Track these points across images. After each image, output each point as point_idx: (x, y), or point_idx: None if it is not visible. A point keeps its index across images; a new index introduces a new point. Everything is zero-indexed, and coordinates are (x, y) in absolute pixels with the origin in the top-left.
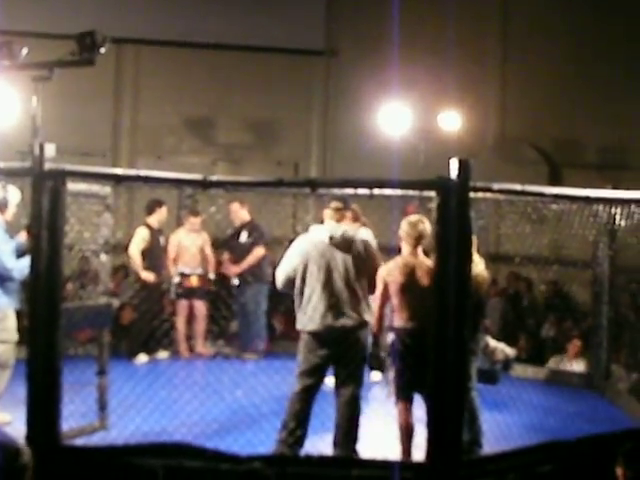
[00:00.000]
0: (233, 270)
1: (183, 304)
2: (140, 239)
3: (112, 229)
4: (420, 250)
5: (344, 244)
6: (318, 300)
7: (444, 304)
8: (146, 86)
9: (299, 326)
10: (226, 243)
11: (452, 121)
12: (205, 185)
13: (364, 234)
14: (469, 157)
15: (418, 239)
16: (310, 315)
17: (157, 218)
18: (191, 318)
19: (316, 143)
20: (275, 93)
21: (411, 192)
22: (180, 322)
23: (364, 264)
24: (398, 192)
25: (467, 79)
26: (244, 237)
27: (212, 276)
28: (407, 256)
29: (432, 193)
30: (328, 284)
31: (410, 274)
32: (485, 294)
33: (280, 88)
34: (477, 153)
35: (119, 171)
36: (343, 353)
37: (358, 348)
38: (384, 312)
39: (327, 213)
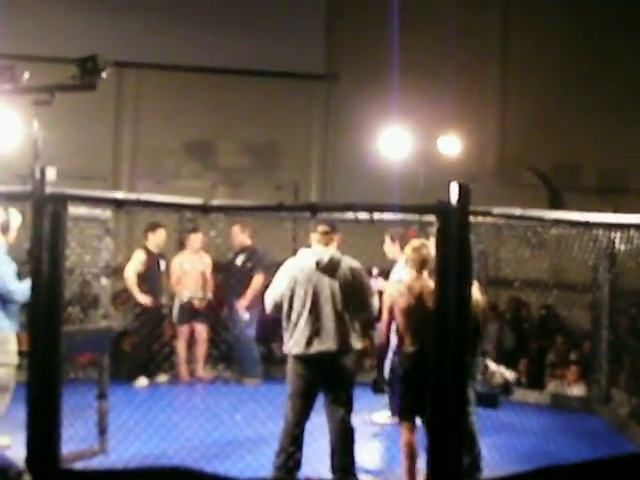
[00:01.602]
0: (242, 305)
1: (184, 328)
2: (137, 262)
3: (113, 253)
4: (425, 274)
5: (331, 269)
6: (304, 324)
7: (444, 327)
8: (147, 109)
9: (285, 350)
10: (225, 267)
11: (452, 145)
12: (205, 210)
13: (350, 260)
14: (469, 181)
15: (423, 263)
16: (296, 339)
17: (154, 241)
18: (191, 342)
19: (316, 167)
20: (275, 117)
21: (411, 216)
22: (181, 346)
23: (352, 289)
24: (398, 216)
25: (467, 103)
26: (240, 260)
27: (210, 297)
28: (412, 280)
29: (432, 217)
30: (314, 309)
31: (416, 297)
32: (483, 317)
33: (280, 112)
34: (477, 177)
35: (119, 195)
36: (329, 377)
37: (344, 373)
38: (390, 335)
39: (314, 237)
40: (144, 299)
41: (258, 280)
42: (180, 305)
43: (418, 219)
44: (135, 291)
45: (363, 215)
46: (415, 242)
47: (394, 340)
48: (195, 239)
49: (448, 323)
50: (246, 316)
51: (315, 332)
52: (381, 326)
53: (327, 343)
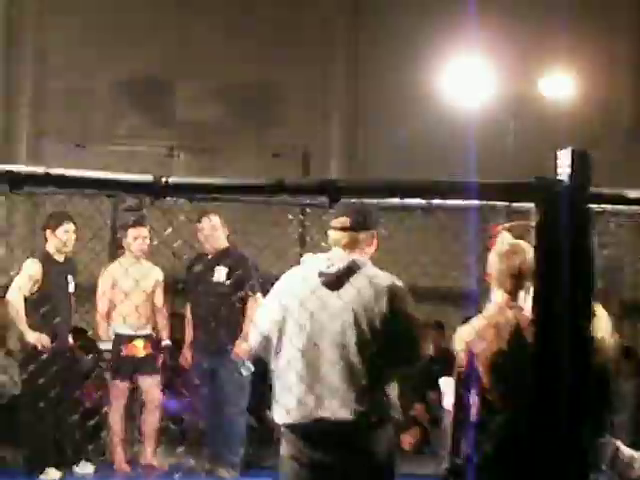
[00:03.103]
0: (242, 350)
1: (120, 386)
2: (25, 279)
3: None
4: (523, 297)
5: (341, 286)
6: (297, 376)
7: (549, 384)
8: (56, 28)
9: (274, 417)
10: (189, 284)
11: (560, 90)
12: (156, 191)
13: (382, 274)
14: (589, 147)
15: (517, 278)
16: (285, 400)
17: (56, 244)
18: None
19: (338, 122)
20: (271, 41)
21: (494, 203)
22: (115, 416)
23: (381, 322)
24: (472, 203)
25: (586, 27)
26: (221, 275)
27: (167, 342)
28: (501, 309)
29: (528, 204)
30: (312, 350)
31: (507, 338)
32: (613, 371)
33: (279, 34)
34: (602, 141)
35: (16, 167)
36: (342, 465)
37: (365, 460)
38: (466, 401)
39: (331, 236)
40: (37, 338)
41: (256, 306)
42: (113, 348)
43: (505, 207)
44: (22, 326)
45: (413, 201)
46: (503, 243)
47: (474, 407)
48: (137, 239)
49: (555, 377)
50: (245, 368)
51: (311, 388)
52: (447, 387)
53: (331, 407)
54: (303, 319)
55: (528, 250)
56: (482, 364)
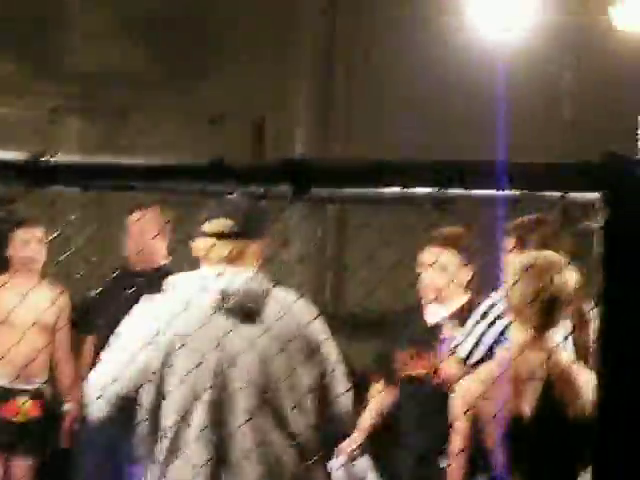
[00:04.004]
0: None
1: None
2: None
3: None
4: (553, 335)
5: (252, 314)
6: (195, 445)
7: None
8: None
9: None
10: (96, 313)
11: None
12: (34, 176)
13: (296, 297)
14: None
15: (548, 309)
16: None
17: None
18: None
19: (306, 72)
20: None
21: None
22: None
23: (305, 361)
24: (509, 194)
25: None
26: None
27: (69, 405)
28: (522, 352)
29: (592, 195)
30: (216, 410)
31: (536, 395)
32: None
33: None
34: None
35: None
36: None
37: None
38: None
39: (199, 246)
40: None
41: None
42: None
43: (558, 197)
44: None
45: (419, 191)
46: (527, 257)
47: None
48: (28, 245)
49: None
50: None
51: (218, 462)
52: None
53: None
54: (197, 362)
55: (562, 266)
56: (492, 435)
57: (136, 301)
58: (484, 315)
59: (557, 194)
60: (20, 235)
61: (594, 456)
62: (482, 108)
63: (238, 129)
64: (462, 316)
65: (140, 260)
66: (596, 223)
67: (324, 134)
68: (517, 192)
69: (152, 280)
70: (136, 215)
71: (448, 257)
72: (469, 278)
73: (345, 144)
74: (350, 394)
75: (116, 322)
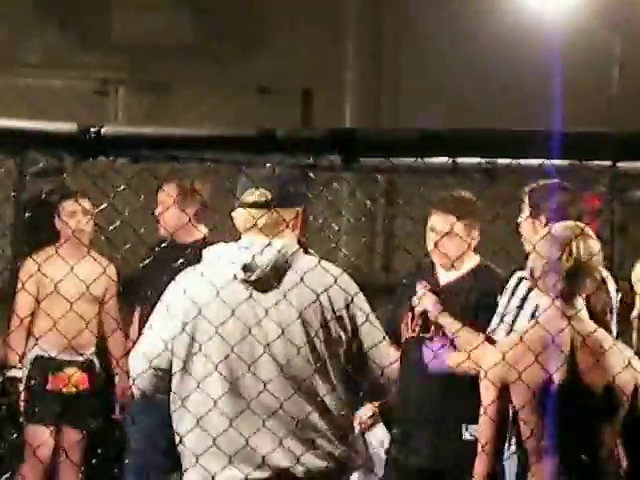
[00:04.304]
0: None
1: (38, 435)
2: None
3: None
4: (580, 303)
5: (275, 286)
6: (218, 418)
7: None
8: None
9: None
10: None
11: None
12: (82, 147)
13: (329, 266)
14: None
15: (574, 278)
16: (202, 458)
17: None
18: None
19: (354, 44)
20: None
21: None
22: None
23: (336, 331)
24: (559, 164)
25: None
26: None
27: (117, 377)
28: (550, 320)
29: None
30: (240, 382)
31: (567, 362)
32: None
33: None
34: None
35: None
36: None
37: None
38: (500, 449)
39: (239, 215)
40: None
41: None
42: (32, 378)
43: (609, 167)
44: None
45: (468, 160)
46: (558, 227)
47: (512, 463)
48: (75, 216)
49: None
50: None
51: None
52: (480, 431)
53: (274, 458)
54: (227, 337)
55: (589, 237)
56: (524, 401)
57: (179, 273)
58: (514, 291)
59: (607, 163)
60: (67, 207)
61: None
62: (531, 79)
63: (286, 100)
64: (471, 278)
65: (177, 234)
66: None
67: (373, 105)
68: (569, 162)
69: (194, 252)
70: (171, 186)
71: (453, 222)
72: (476, 241)
73: (394, 115)
74: (389, 351)
75: (160, 294)
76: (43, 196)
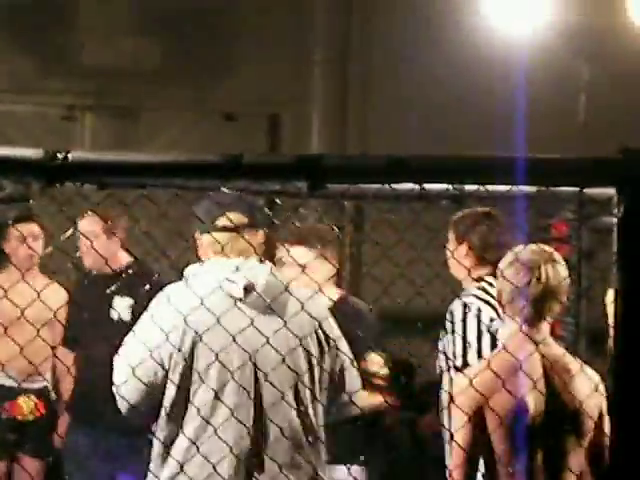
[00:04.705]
0: None
1: None
2: None
3: None
4: (546, 327)
5: (274, 307)
6: (217, 444)
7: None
8: None
9: None
10: (73, 323)
11: None
12: (49, 173)
13: (313, 291)
14: None
15: (543, 303)
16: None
17: None
18: None
19: (323, 69)
20: None
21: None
22: None
23: (329, 355)
24: (525, 189)
25: None
26: (122, 311)
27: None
28: (517, 345)
29: (608, 190)
30: (247, 401)
31: (539, 387)
32: None
33: None
34: None
35: None
36: None
37: None
38: (472, 476)
39: (206, 242)
40: None
41: None
42: None
43: (576, 194)
44: None
45: (436, 187)
46: (526, 249)
47: None
48: (21, 241)
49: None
50: None
51: (254, 455)
52: (453, 456)
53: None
54: (229, 354)
55: (558, 260)
56: (496, 426)
57: (108, 303)
58: (464, 317)
59: (574, 189)
60: (16, 231)
61: (611, 444)
62: (498, 105)
63: (253, 126)
64: (335, 309)
65: (99, 265)
66: (610, 217)
67: (340, 131)
68: (535, 188)
69: (113, 279)
70: (91, 218)
71: (304, 253)
72: (333, 274)
73: (361, 141)
74: (359, 380)
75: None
76: (9, 222)
